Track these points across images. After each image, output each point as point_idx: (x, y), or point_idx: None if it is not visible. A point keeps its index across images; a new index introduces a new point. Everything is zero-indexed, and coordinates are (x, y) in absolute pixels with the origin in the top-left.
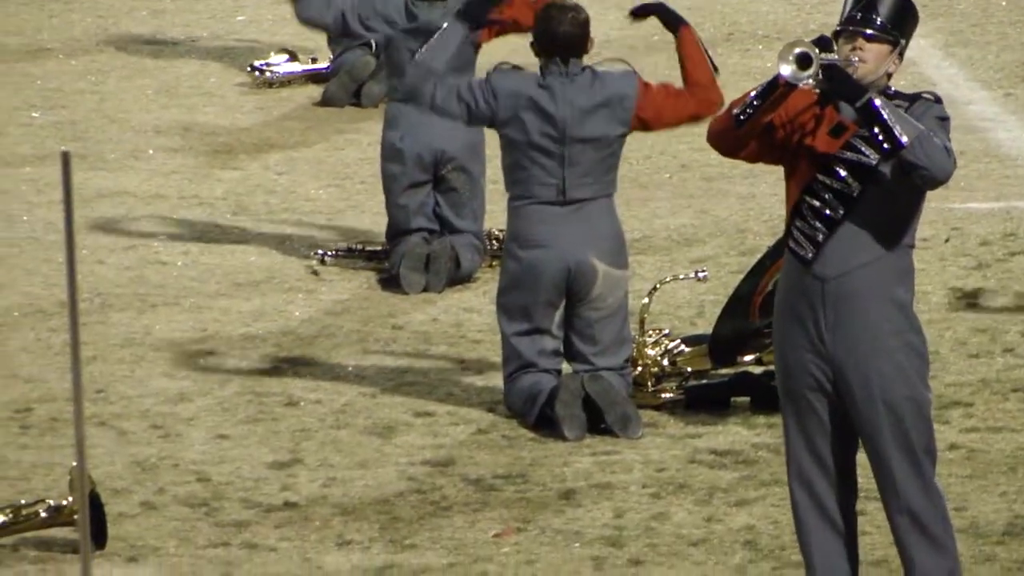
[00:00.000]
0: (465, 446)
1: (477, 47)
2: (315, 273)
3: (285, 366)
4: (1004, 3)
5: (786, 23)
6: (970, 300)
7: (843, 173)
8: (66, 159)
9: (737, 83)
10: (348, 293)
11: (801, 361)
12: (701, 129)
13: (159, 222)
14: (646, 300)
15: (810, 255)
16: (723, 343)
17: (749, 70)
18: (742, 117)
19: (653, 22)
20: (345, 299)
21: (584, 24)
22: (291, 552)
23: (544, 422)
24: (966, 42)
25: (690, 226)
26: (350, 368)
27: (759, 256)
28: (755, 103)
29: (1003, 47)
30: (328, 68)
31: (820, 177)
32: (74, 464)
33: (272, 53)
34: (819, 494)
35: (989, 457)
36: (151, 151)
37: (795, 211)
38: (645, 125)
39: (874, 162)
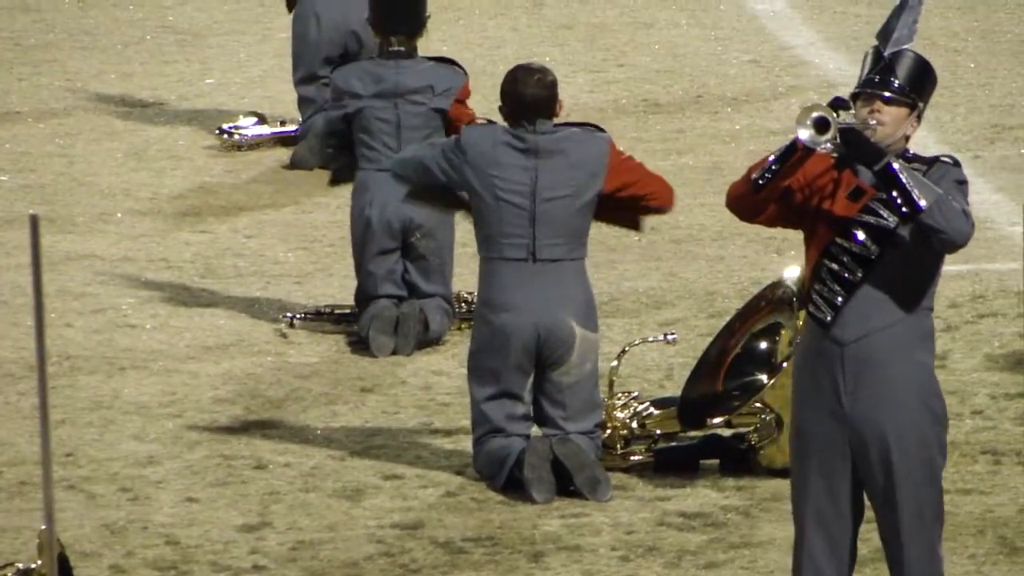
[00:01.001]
0: (434, 509)
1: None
2: (284, 336)
3: (254, 429)
4: (972, 65)
5: (755, 85)
6: (939, 362)
7: (862, 236)
8: (34, 222)
9: (706, 146)
10: (317, 356)
11: (819, 424)
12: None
13: (128, 285)
14: (615, 363)
15: (829, 318)
16: (692, 406)
17: (718, 133)
18: (760, 181)
19: (620, 89)
20: (314, 362)
21: (551, 86)
22: None
23: (513, 485)
24: (934, 104)
25: (659, 289)
26: (319, 431)
27: (728, 319)
28: (773, 167)
29: (971, 109)
30: (297, 131)
31: (839, 240)
32: (43, 527)
33: (241, 116)
34: (836, 538)
35: (958, 519)
36: (119, 214)
37: (814, 274)
38: (613, 189)
39: (893, 225)
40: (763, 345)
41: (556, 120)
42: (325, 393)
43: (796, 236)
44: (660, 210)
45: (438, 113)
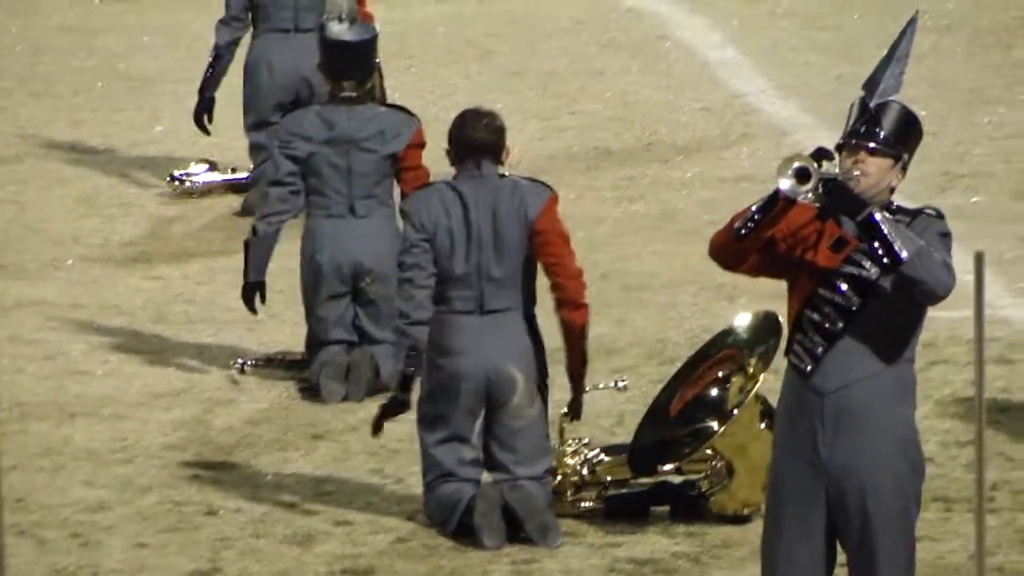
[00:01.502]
0: (385, 555)
1: None
2: (235, 382)
3: (205, 475)
4: (924, 113)
5: (706, 133)
6: None
7: (844, 287)
8: None
9: (657, 194)
10: (268, 402)
11: (796, 472)
12: (621, 239)
13: (78, 331)
14: (565, 410)
15: (809, 368)
16: (643, 453)
17: (669, 180)
18: (743, 231)
19: (571, 137)
20: (265, 408)
21: (499, 130)
22: None
23: (463, 531)
24: None
25: (609, 335)
26: (270, 477)
27: (679, 365)
28: (756, 217)
29: (923, 157)
30: (248, 178)
31: (821, 291)
32: None
33: (192, 163)
34: None
35: None
36: (70, 261)
37: (796, 324)
38: (537, 240)
39: (874, 277)
40: (714, 392)
41: (504, 169)
42: (276, 439)
43: (748, 284)
44: (565, 293)
45: (389, 159)
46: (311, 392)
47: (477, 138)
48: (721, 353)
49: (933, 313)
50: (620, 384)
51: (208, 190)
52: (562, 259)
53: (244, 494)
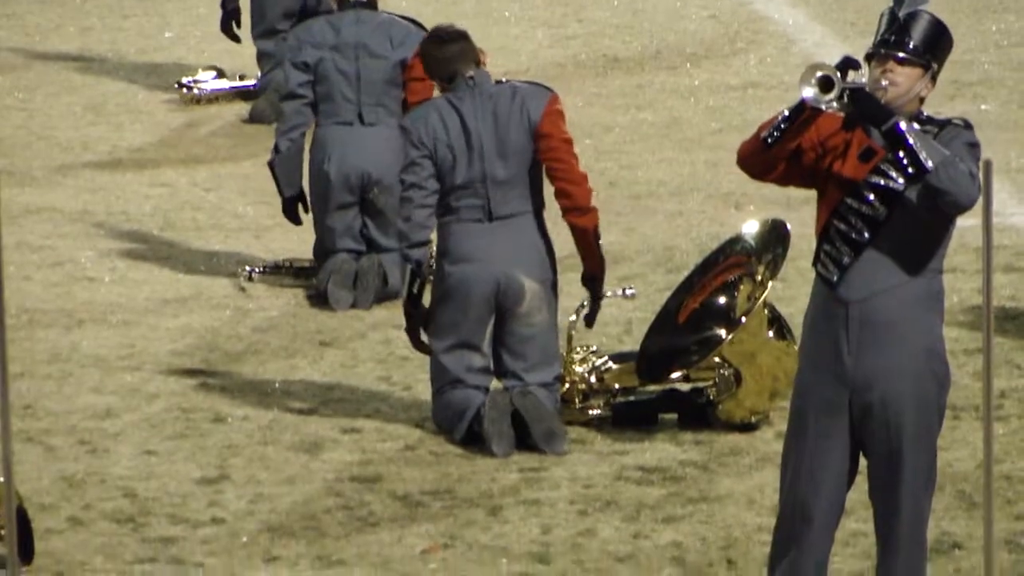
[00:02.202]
0: (392, 462)
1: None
2: (243, 290)
3: (212, 382)
4: None
5: (713, 41)
6: None
7: (871, 197)
8: None
9: (665, 101)
10: (276, 310)
11: (820, 382)
12: (629, 147)
13: (86, 238)
14: (573, 317)
15: (835, 277)
16: (651, 360)
17: (677, 87)
18: (769, 140)
19: (579, 45)
20: (273, 316)
21: (461, 36)
22: (218, 568)
23: (472, 438)
24: None
25: (617, 244)
26: (277, 384)
27: (687, 273)
28: (782, 125)
29: None
30: (256, 85)
31: (848, 201)
32: (1, 480)
33: (200, 70)
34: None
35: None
36: (79, 167)
37: (823, 234)
38: (541, 144)
39: (901, 187)
40: (722, 300)
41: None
42: (284, 347)
43: (755, 191)
44: (571, 200)
45: (399, 66)
46: (319, 299)
47: (445, 52)
48: (729, 260)
49: None
50: (628, 292)
51: (216, 97)
52: (566, 163)
53: (252, 401)
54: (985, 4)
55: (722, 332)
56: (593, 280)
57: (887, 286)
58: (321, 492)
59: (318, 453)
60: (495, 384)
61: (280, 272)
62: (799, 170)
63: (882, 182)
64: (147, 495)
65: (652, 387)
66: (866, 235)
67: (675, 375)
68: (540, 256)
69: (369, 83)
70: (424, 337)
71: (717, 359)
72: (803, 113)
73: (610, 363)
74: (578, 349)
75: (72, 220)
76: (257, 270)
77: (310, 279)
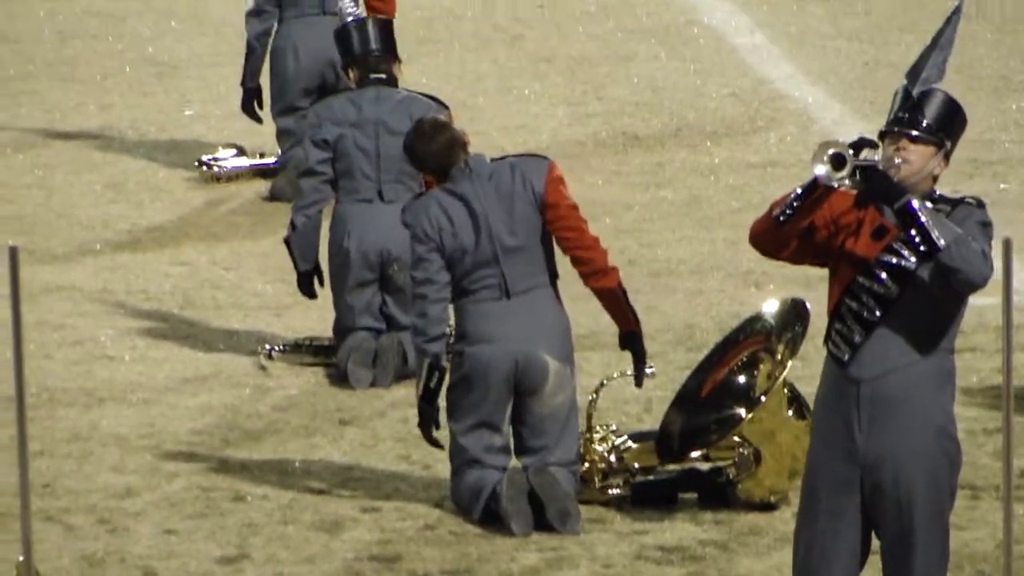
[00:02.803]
0: (412, 541)
1: None
2: (263, 368)
3: (232, 461)
4: None
5: (734, 119)
6: None
7: (883, 276)
8: (13, 254)
9: (685, 179)
10: (295, 388)
11: (831, 461)
12: (649, 225)
13: (107, 317)
14: (593, 396)
15: (847, 356)
16: (670, 439)
17: (697, 166)
18: (782, 218)
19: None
20: (293, 394)
21: (446, 126)
22: None
23: (489, 518)
24: None
25: None
26: (297, 463)
27: (707, 352)
28: (795, 203)
29: None
30: (276, 163)
31: (860, 279)
32: (21, 559)
33: (220, 147)
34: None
35: None
36: (99, 246)
37: (835, 312)
38: (550, 215)
39: (913, 266)
40: (742, 379)
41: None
42: (304, 425)
43: (775, 270)
44: (590, 265)
45: None
46: (339, 378)
47: (434, 147)
48: (749, 339)
49: None
50: (648, 370)
51: (236, 175)
52: (576, 229)
53: (272, 480)
54: (1005, 83)
55: (742, 411)
56: (632, 337)
57: (898, 365)
58: (341, 571)
59: (338, 532)
60: (514, 462)
61: (300, 351)
62: (811, 248)
63: (894, 260)
64: (167, 574)
65: (672, 466)
66: (878, 314)
67: (695, 454)
68: (560, 333)
69: (388, 160)
70: (434, 432)
71: (737, 438)
72: (815, 191)
73: (630, 442)
74: (598, 428)
75: (92, 298)
76: (277, 348)
77: (330, 357)
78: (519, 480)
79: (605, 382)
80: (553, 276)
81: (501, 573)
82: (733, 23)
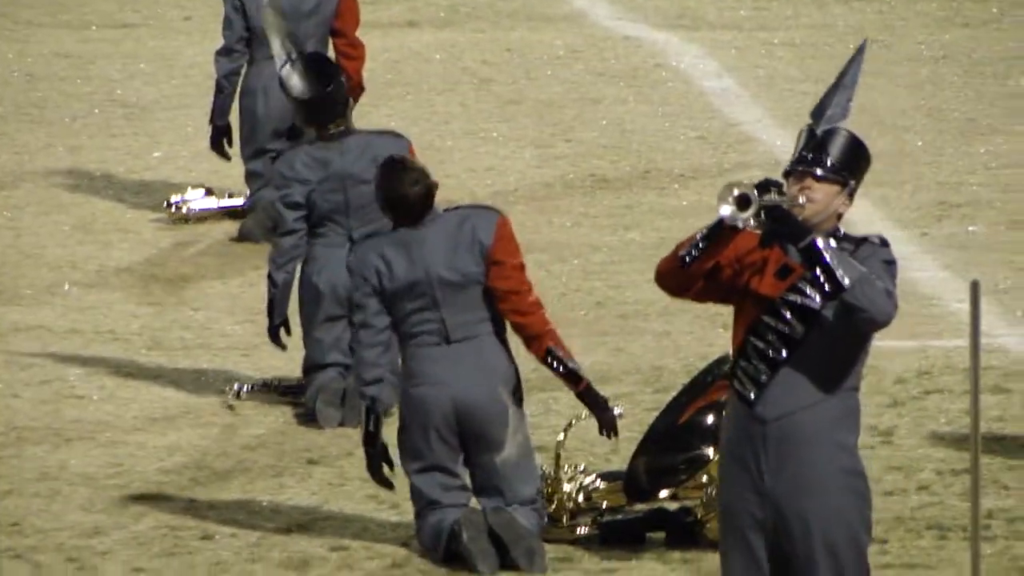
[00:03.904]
0: None
1: None
2: (231, 408)
3: (201, 500)
4: (919, 143)
5: (702, 162)
6: (885, 438)
7: (788, 315)
8: None
9: (653, 222)
10: (264, 427)
11: (741, 500)
12: (616, 267)
13: (75, 357)
14: (561, 437)
15: (752, 396)
16: (638, 479)
17: (664, 208)
18: (687, 258)
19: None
20: (261, 433)
21: (425, 173)
22: None
23: (452, 558)
24: (881, 182)
25: (605, 364)
26: (265, 503)
27: (674, 393)
28: (700, 244)
29: (919, 187)
30: (245, 204)
31: (765, 318)
32: None
33: (188, 188)
34: None
35: None
36: (67, 286)
37: (740, 351)
38: (493, 270)
39: (818, 305)
40: (710, 419)
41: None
42: (272, 465)
43: None
44: (526, 330)
45: None
46: (307, 417)
47: (415, 193)
48: (717, 381)
49: (928, 342)
50: (616, 411)
51: (204, 216)
52: (517, 293)
53: (240, 519)
54: (973, 127)
55: (710, 451)
56: (580, 396)
57: (804, 404)
58: None
59: (306, 571)
60: (474, 502)
61: (268, 390)
62: (716, 287)
63: (799, 300)
64: None
65: (640, 506)
66: (784, 353)
67: (663, 494)
68: (504, 377)
69: (359, 208)
70: (386, 471)
71: (705, 477)
72: (721, 231)
73: (598, 482)
74: (566, 468)
75: (60, 338)
76: (245, 388)
77: (298, 397)
78: (476, 519)
79: (573, 422)
80: (499, 326)
81: None
82: (701, 66)
